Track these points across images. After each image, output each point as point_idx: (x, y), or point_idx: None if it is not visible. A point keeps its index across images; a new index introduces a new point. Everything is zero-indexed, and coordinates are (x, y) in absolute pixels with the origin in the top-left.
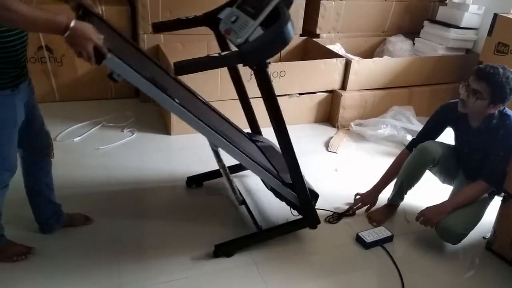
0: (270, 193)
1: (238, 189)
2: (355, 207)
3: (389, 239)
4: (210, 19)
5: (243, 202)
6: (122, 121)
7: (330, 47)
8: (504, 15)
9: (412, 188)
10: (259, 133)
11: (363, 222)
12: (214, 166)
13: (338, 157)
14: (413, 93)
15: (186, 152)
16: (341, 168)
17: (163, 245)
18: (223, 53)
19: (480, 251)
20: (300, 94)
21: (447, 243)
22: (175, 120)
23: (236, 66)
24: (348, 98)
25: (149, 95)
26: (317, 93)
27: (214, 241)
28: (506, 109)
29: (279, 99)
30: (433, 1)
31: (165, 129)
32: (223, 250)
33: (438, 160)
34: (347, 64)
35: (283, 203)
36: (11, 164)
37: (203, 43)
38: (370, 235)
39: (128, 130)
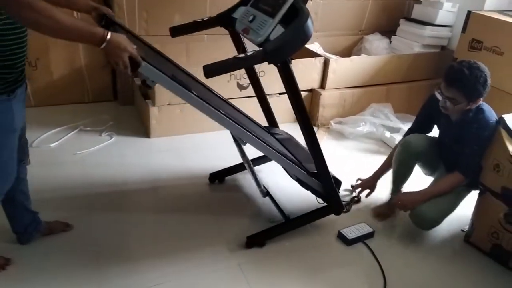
0: (285, 185)
1: (262, 181)
2: (356, 191)
3: (370, 235)
4: (224, 20)
5: (267, 193)
6: (100, 125)
7: (309, 46)
8: (477, 12)
9: (406, 182)
10: (276, 126)
11: (346, 219)
12: (194, 167)
13: None
14: (391, 91)
15: (167, 154)
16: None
17: (147, 250)
18: (249, 53)
19: (459, 244)
20: (280, 93)
21: (425, 237)
22: (154, 123)
23: None
24: (327, 97)
25: (181, 98)
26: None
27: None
28: (483, 104)
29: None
30: None
31: (145, 132)
32: (256, 241)
33: (421, 153)
34: (326, 63)
35: (303, 192)
36: (9, 173)
37: (182, 44)
38: (351, 231)
39: (106, 134)
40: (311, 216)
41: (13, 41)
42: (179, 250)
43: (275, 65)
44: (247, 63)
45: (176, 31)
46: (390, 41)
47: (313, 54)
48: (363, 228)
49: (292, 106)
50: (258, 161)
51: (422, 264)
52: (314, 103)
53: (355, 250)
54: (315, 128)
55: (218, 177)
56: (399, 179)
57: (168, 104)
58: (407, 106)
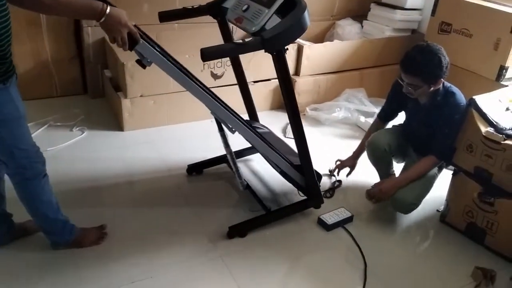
0: (264, 177)
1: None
2: (335, 174)
3: (349, 219)
4: (213, 9)
5: (248, 186)
6: (71, 120)
7: None
8: None
9: (392, 169)
10: (257, 119)
11: (325, 204)
12: (171, 159)
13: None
14: (364, 75)
15: (142, 147)
16: None
17: (126, 246)
18: (247, 40)
19: (435, 224)
20: (254, 82)
21: (402, 219)
22: (127, 116)
23: None
24: (302, 84)
25: (174, 79)
26: (271, 80)
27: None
28: (452, 87)
29: (234, 88)
30: None
31: (118, 125)
32: (237, 231)
33: (388, 149)
34: (299, 49)
35: (281, 184)
36: (36, 155)
37: (152, 33)
38: (331, 217)
39: (77, 129)
40: (291, 209)
41: (3, 29)
42: (159, 245)
43: (271, 53)
44: (245, 50)
45: (165, 16)
46: (362, 26)
47: None
48: (342, 213)
49: (283, 96)
50: (239, 154)
51: (400, 246)
52: None
53: (335, 235)
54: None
55: (196, 169)
56: (383, 172)
57: (141, 96)
58: (380, 90)
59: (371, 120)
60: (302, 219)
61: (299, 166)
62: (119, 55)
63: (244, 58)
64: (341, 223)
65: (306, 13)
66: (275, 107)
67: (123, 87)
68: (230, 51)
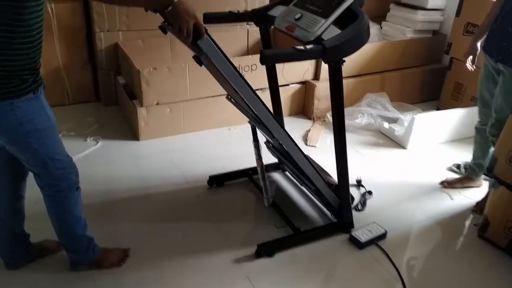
0: (288, 194)
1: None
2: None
3: (383, 236)
4: (258, 16)
5: (273, 203)
6: (84, 129)
7: None
8: None
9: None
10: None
11: (354, 218)
12: (189, 170)
13: (317, 151)
14: (385, 79)
15: (158, 157)
16: (323, 163)
17: (145, 263)
18: (308, 47)
19: (473, 239)
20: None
21: (438, 233)
22: (143, 124)
23: None
24: (322, 89)
25: (230, 80)
26: (290, 85)
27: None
28: None
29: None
30: None
31: (133, 134)
32: (265, 250)
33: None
34: None
35: (304, 203)
36: (70, 165)
37: (166, 38)
38: (363, 234)
39: (91, 138)
40: (322, 232)
41: (37, 40)
42: (181, 262)
43: (329, 63)
44: (305, 56)
45: (210, 18)
46: (381, 27)
47: (297, 43)
48: (375, 229)
49: (332, 107)
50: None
51: (438, 264)
52: (309, 96)
53: (369, 254)
54: (310, 122)
55: (217, 180)
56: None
57: (157, 104)
58: (402, 95)
59: (395, 127)
60: (331, 236)
61: (336, 186)
62: (134, 61)
63: (261, 65)
64: (375, 240)
65: (368, 26)
66: (295, 112)
67: (138, 95)
68: (291, 56)
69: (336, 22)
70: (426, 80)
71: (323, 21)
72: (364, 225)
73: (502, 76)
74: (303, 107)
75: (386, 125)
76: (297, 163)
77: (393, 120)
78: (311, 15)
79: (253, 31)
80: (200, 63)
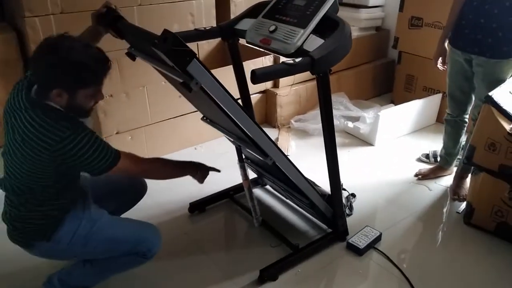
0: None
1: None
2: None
3: (378, 238)
4: (225, 31)
5: (263, 222)
6: None
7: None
8: None
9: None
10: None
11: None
12: (165, 198)
13: (291, 159)
14: (341, 78)
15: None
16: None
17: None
18: (297, 60)
19: (461, 227)
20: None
21: (426, 225)
22: None
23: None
24: (283, 96)
25: (224, 107)
26: (251, 95)
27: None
28: None
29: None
30: None
31: None
32: (269, 275)
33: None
34: (275, 60)
35: (295, 218)
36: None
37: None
38: (360, 239)
39: None
40: (321, 244)
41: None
42: None
43: (317, 74)
44: (296, 70)
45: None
46: None
47: (261, 53)
48: (370, 233)
49: (322, 119)
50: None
51: (436, 257)
52: (271, 104)
53: (369, 259)
54: (275, 130)
55: (199, 207)
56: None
57: (117, 133)
58: (357, 92)
59: (359, 125)
60: (327, 247)
61: (328, 196)
62: None
63: (220, 77)
64: (372, 244)
65: (350, 33)
66: (258, 122)
67: (96, 126)
68: (283, 72)
69: (315, 31)
70: (377, 75)
71: (302, 31)
72: (357, 230)
73: (481, 68)
74: (265, 116)
75: (350, 124)
76: (291, 179)
77: (355, 119)
78: (286, 26)
79: (202, 44)
80: (190, 90)
